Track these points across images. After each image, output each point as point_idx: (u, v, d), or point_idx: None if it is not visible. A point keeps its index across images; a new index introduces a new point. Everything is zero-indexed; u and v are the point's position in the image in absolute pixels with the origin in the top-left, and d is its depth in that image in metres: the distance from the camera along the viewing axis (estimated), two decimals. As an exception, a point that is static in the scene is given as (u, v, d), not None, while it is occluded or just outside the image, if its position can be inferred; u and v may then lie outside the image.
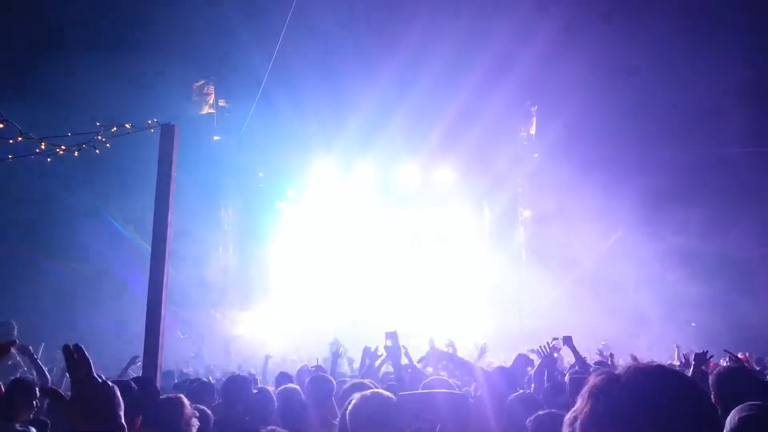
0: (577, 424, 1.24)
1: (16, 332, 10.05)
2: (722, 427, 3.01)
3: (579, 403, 1.27)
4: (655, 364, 1.27)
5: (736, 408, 2.39)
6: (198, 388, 5.30)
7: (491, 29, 16.04)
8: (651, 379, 1.21)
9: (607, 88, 16.90)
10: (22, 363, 7.61)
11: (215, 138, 19.23)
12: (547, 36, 16.24)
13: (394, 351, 3.93)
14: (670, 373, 1.24)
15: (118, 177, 16.12)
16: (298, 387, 4.72)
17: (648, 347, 14.81)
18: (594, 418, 1.21)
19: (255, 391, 4.92)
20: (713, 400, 3.36)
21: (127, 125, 5.36)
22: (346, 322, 17.66)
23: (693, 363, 4.81)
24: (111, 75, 14.71)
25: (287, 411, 4.29)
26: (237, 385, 4.72)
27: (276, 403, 4.46)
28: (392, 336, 3.88)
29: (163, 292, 6.63)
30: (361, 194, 20.80)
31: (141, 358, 6.72)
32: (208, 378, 7.39)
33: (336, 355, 7.71)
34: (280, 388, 4.90)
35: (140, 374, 5.86)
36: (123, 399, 1.58)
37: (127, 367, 8.02)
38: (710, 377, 3.57)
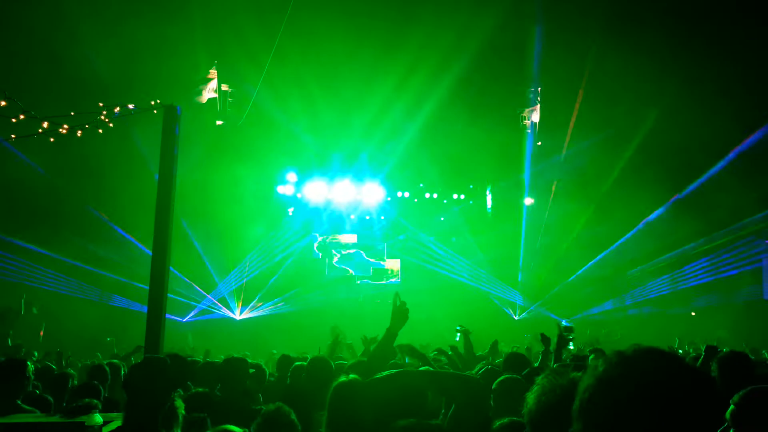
0: (579, 405, 1.24)
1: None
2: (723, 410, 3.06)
3: (581, 386, 1.26)
4: (655, 348, 1.25)
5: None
6: (201, 370, 5.32)
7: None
8: (651, 361, 1.20)
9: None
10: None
11: (218, 123, 19.13)
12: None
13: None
14: (670, 356, 1.24)
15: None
16: (304, 363, 4.75)
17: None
18: (594, 399, 1.21)
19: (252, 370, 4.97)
20: (719, 387, 3.39)
21: (129, 105, 5.31)
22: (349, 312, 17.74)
23: (703, 355, 4.84)
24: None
25: (292, 388, 4.32)
26: (234, 366, 4.75)
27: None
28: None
29: (166, 276, 6.64)
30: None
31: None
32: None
33: (335, 341, 7.78)
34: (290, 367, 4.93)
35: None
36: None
37: (130, 355, 8.10)
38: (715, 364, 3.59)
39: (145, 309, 6.48)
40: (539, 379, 2.01)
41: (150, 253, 6.46)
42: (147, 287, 6.32)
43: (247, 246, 20.17)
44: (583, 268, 20.42)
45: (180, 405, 3.14)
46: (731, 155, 17.14)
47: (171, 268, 6.84)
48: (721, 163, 17.31)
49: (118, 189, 16.55)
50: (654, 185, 17.73)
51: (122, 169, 16.18)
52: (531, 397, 1.96)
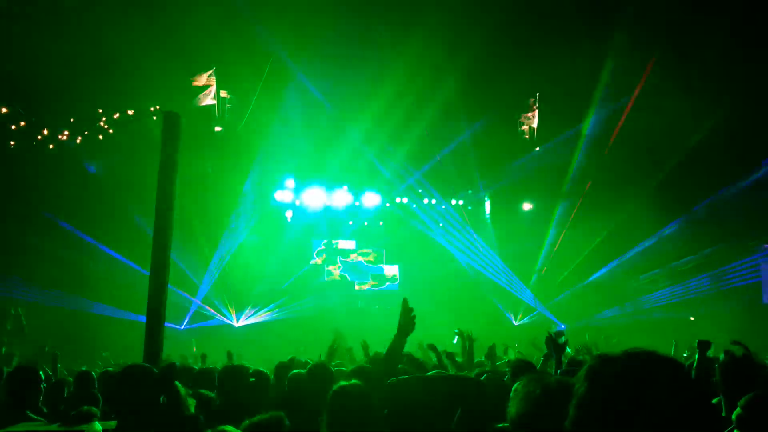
0: (575, 405, 1.27)
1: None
2: (719, 417, 3.10)
3: (576, 384, 1.29)
4: (651, 350, 1.28)
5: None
6: (199, 376, 5.30)
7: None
8: (645, 364, 1.23)
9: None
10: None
11: (216, 129, 19.09)
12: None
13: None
14: (664, 359, 1.26)
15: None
16: (303, 371, 4.74)
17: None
18: (589, 400, 1.23)
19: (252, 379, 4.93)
20: (722, 391, 3.40)
21: (129, 111, 5.28)
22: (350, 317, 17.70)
23: (698, 351, 4.87)
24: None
25: (290, 395, 4.32)
26: (233, 374, 4.71)
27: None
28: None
29: (165, 282, 6.60)
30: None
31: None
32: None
33: (332, 347, 7.80)
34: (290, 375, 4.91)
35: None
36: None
37: None
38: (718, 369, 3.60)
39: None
40: (516, 387, 2.10)
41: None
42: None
43: (243, 250, 20.07)
44: (594, 276, 20.52)
45: (192, 402, 3.14)
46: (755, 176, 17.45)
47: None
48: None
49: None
50: (670, 199, 18.02)
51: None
52: (512, 407, 2.05)
